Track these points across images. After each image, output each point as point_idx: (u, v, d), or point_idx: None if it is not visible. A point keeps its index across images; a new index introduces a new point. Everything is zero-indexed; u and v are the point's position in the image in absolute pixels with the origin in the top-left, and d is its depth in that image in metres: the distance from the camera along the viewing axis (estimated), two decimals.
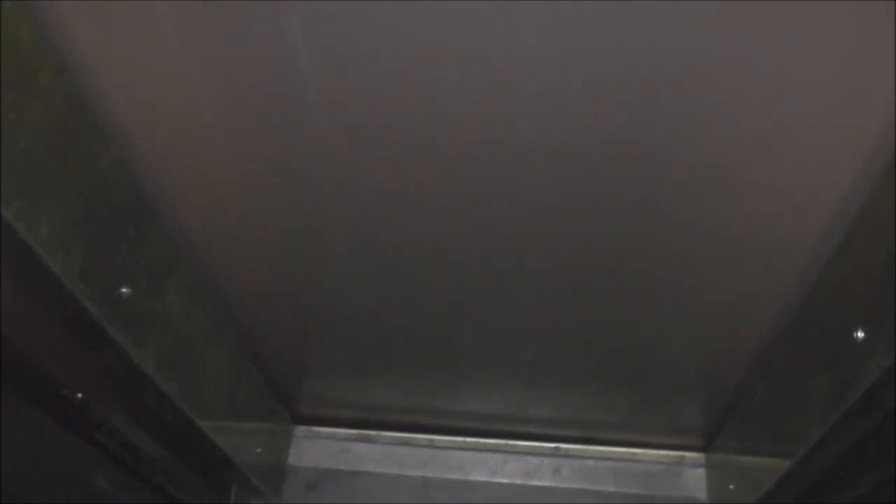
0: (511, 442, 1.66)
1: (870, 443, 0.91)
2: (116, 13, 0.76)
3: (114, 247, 0.91)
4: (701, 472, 1.59)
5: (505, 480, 1.63)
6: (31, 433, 0.96)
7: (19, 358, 0.83)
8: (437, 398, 1.57)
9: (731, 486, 1.42)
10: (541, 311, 1.21)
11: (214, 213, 1.05)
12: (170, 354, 1.05)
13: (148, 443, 1.11)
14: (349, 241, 1.08)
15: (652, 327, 1.21)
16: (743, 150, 0.84)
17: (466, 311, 1.23)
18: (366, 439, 1.70)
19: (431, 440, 1.68)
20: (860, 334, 0.86)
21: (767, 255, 1.00)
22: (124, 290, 0.92)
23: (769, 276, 1.04)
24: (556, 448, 1.64)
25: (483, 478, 1.64)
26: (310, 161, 0.94)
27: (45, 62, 0.76)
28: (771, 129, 0.81)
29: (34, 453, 1.00)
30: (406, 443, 1.69)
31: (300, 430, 1.72)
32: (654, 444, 1.61)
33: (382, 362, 1.45)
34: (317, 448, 1.70)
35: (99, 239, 0.87)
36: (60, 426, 0.97)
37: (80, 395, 0.94)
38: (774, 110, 0.79)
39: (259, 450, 1.50)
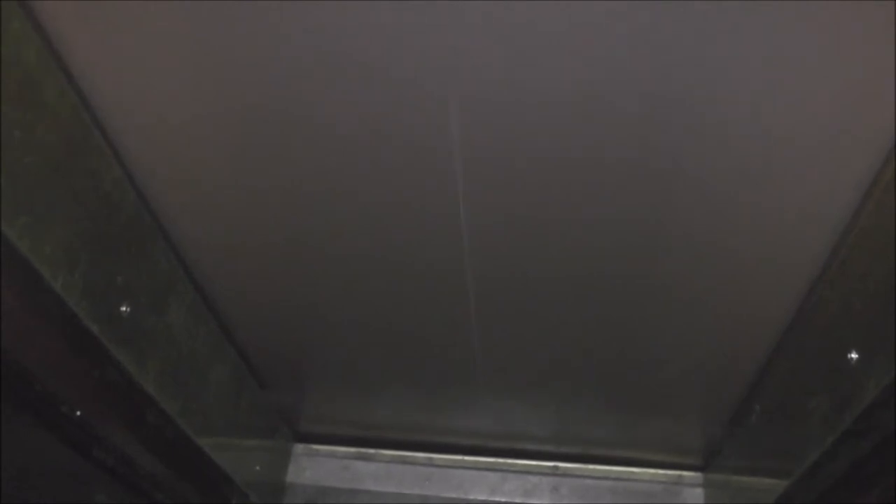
0: (510, 461, 1.66)
1: (867, 463, 0.91)
2: (122, 34, 0.77)
3: (116, 265, 0.91)
4: (699, 491, 1.59)
5: (504, 499, 1.63)
6: (31, 449, 0.96)
7: (20, 374, 0.83)
8: (437, 416, 1.57)
9: None
10: (541, 332, 1.21)
11: (216, 232, 1.06)
12: (171, 372, 1.05)
13: (147, 460, 1.11)
14: (350, 260, 1.09)
15: (651, 348, 1.21)
16: (742, 173, 0.85)
17: (467, 332, 1.24)
18: (365, 457, 1.69)
19: (431, 458, 1.68)
20: (856, 355, 0.87)
21: (765, 276, 1.00)
22: (126, 307, 0.93)
23: (767, 298, 1.04)
24: (555, 467, 1.64)
25: (482, 496, 1.64)
26: (314, 180, 0.94)
27: (50, 82, 0.77)
28: (769, 153, 0.82)
29: (34, 469, 1.00)
30: (405, 461, 1.68)
31: (300, 447, 1.72)
32: (653, 463, 1.61)
33: (382, 381, 1.45)
34: (316, 466, 1.70)
35: (101, 257, 0.88)
36: (60, 442, 0.97)
37: (79, 412, 0.94)
38: (773, 134, 0.79)
39: (258, 467, 1.50)
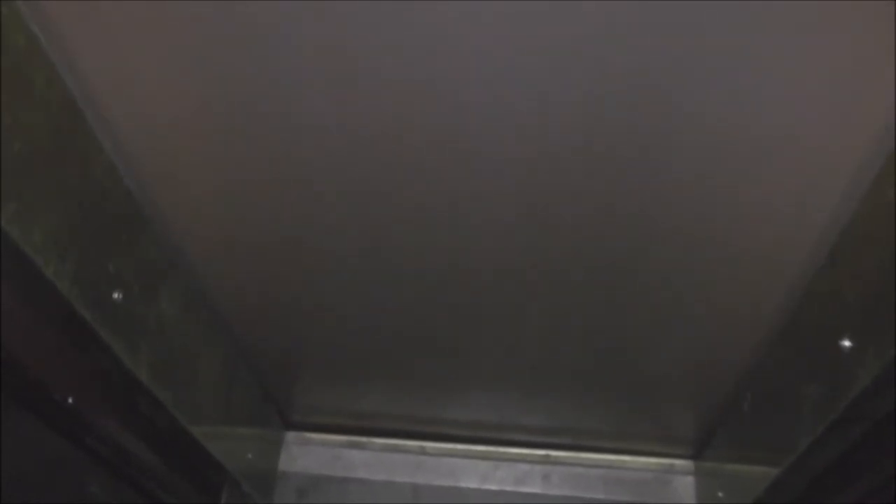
0: (501, 449, 1.66)
1: (858, 451, 0.92)
2: (111, 20, 0.76)
3: (107, 252, 0.91)
4: (690, 479, 1.60)
5: (495, 487, 1.64)
6: (22, 438, 0.96)
7: (10, 361, 0.83)
8: (429, 405, 1.57)
9: (720, 494, 1.43)
10: (532, 321, 1.21)
11: (208, 220, 1.05)
12: (163, 360, 1.05)
13: (139, 448, 1.11)
14: (342, 249, 1.09)
15: (642, 336, 1.22)
16: (733, 162, 0.85)
17: (457, 320, 1.24)
18: (357, 446, 1.70)
19: (422, 447, 1.68)
20: (848, 343, 0.87)
21: (757, 265, 1.00)
22: (117, 295, 0.92)
23: (759, 286, 1.04)
24: (546, 455, 1.65)
25: (473, 484, 1.64)
26: (304, 168, 0.94)
27: (39, 67, 0.76)
28: (761, 142, 0.82)
29: (24, 458, 0.99)
30: (397, 449, 1.69)
31: (291, 435, 1.72)
32: (644, 451, 1.61)
33: (374, 369, 1.45)
34: (308, 454, 1.70)
35: (93, 244, 0.87)
36: (51, 431, 0.97)
37: (70, 400, 0.93)
38: (764, 122, 0.79)
39: (250, 455, 1.50)
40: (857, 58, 0.71)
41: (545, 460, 1.65)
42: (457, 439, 1.66)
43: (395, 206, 0.99)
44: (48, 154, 0.79)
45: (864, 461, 0.93)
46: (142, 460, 1.14)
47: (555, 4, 0.69)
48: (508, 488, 1.63)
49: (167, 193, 0.99)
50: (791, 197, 0.88)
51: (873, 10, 0.66)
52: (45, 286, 0.80)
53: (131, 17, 0.76)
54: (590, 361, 1.33)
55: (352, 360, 1.43)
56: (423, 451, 1.68)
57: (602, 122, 0.82)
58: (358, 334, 1.33)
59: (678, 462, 1.61)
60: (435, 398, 1.54)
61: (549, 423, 1.58)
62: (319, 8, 0.72)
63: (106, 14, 0.75)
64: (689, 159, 0.86)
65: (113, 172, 0.90)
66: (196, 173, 0.97)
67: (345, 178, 0.95)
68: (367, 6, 0.71)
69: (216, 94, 0.84)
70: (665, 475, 1.61)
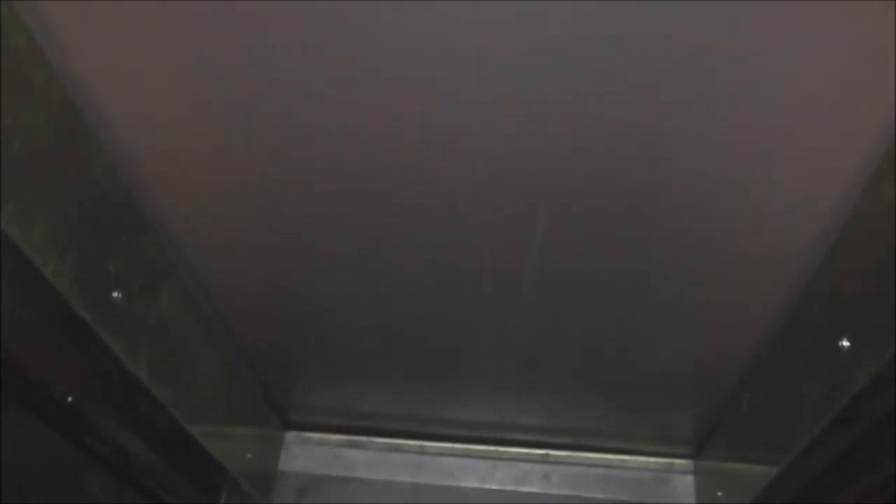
0: (501, 448, 1.66)
1: (857, 450, 0.92)
2: (111, 20, 0.76)
3: (107, 252, 0.91)
4: (689, 478, 1.60)
5: (495, 487, 1.64)
6: (22, 437, 0.96)
7: (10, 361, 0.83)
8: (428, 405, 1.57)
9: (719, 493, 1.43)
10: (532, 321, 1.21)
11: (208, 220, 1.05)
12: (162, 360, 1.05)
13: (139, 447, 1.11)
14: (343, 250, 1.09)
15: (642, 336, 1.22)
16: (733, 162, 0.85)
17: (458, 320, 1.24)
18: (357, 445, 1.70)
19: (422, 446, 1.68)
20: (846, 343, 0.87)
21: (756, 265, 1.00)
22: (117, 295, 0.92)
23: (759, 286, 1.04)
24: (546, 455, 1.65)
25: (473, 484, 1.64)
26: (304, 168, 0.94)
27: (39, 68, 0.76)
28: (761, 142, 0.82)
29: (24, 457, 0.99)
30: (397, 449, 1.69)
31: (291, 435, 1.72)
32: (644, 451, 1.61)
33: (374, 369, 1.45)
34: (308, 454, 1.70)
35: (92, 244, 0.87)
36: (51, 430, 0.97)
37: (70, 400, 0.94)
38: (764, 122, 0.79)
39: (250, 455, 1.50)
40: (857, 58, 0.71)
41: (545, 460, 1.65)
42: (457, 439, 1.67)
43: (395, 206, 0.99)
44: (48, 154, 0.79)
45: (863, 461, 0.93)
46: (142, 460, 1.14)
47: (555, 4, 0.69)
48: (508, 488, 1.63)
49: (167, 193, 0.99)
50: (791, 196, 0.88)
51: (873, 10, 0.66)
52: (45, 286, 0.80)
53: (131, 17, 0.76)
54: (590, 361, 1.33)
55: (352, 360, 1.43)
56: (422, 451, 1.68)
57: (602, 122, 0.82)
58: (358, 334, 1.33)
59: (677, 461, 1.61)
60: (435, 398, 1.54)
61: (549, 422, 1.58)
62: (319, 8, 0.72)
63: (106, 14, 0.75)
64: (689, 159, 0.86)
65: (113, 172, 0.90)
66: (196, 173, 0.97)
67: (345, 178, 0.95)
68: (366, 6, 0.71)
69: (216, 94, 0.84)
70: (664, 475, 1.61)
